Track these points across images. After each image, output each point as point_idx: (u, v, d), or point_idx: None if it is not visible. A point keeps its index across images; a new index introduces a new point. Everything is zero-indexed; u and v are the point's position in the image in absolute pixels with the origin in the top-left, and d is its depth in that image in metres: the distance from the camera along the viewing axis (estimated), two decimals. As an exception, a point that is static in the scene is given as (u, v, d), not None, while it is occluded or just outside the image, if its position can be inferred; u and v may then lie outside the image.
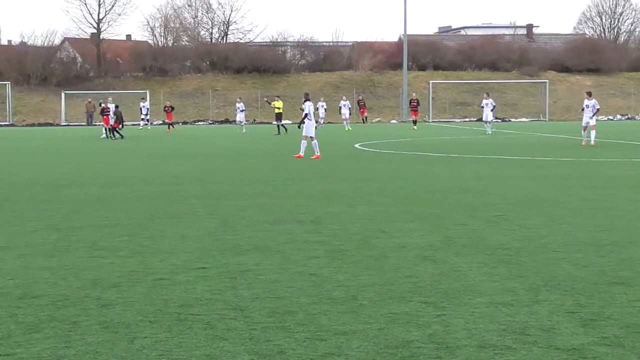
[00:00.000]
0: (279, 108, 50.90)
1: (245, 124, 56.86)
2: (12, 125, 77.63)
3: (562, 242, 11.30)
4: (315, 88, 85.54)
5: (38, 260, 10.34)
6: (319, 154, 28.24)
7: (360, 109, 70.13)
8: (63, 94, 79.92)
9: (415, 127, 56.92)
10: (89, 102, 74.22)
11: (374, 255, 10.48)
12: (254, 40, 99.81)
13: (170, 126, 57.94)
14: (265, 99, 60.22)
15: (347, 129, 57.62)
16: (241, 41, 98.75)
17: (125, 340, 6.85)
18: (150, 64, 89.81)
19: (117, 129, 46.02)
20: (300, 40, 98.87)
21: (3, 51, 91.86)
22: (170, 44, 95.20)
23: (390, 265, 9.82)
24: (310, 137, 28.70)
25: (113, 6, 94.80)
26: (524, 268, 9.59)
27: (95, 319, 7.51)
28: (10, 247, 11.25)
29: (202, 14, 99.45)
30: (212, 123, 78.18)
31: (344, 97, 64.96)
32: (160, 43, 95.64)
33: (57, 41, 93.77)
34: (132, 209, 15.18)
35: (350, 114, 62.11)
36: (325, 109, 63.84)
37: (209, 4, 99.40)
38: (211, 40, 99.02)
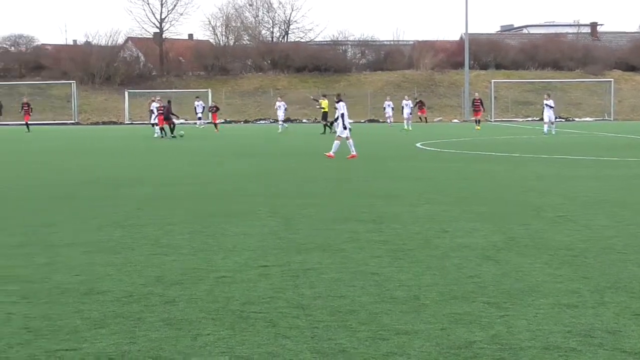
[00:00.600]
0: (324, 107, 50.88)
1: (283, 124, 56.06)
2: (77, 123, 78.72)
3: (628, 244, 11.13)
4: (376, 87, 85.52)
5: (103, 257, 10.46)
6: (354, 153, 27.96)
7: (419, 108, 70.03)
8: (126, 93, 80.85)
9: (479, 127, 56.53)
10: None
11: (436, 254, 10.43)
12: (315, 40, 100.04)
13: (216, 126, 57.95)
14: (312, 97, 60.04)
15: (405, 128, 57.43)
16: (302, 40, 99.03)
17: (189, 337, 6.90)
18: (212, 63, 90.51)
19: (163, 127, 46.34)
20: (361, 39, 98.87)
21: (68, 51, 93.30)
22: (232, 43, 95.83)
23: (453, 265, 9.76)
24: (340, 136, 28.40)
25: (175, 6, 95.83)
26: (588, 269, 9.46)
27: (158, 315, 7.58)
28: (75, 244, 11.39)
29: (263, 13, 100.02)
30: (274, 122, 78.46)
31: (405, 97, 64.89)
32: (221, 42, 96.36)
33: (120, 41, 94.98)
34: (194, 207, 15.28)
35: (411, 113, 62.05)
36: (392, 108, 63.91)
37: (270, 3, 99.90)
38: (272, 40, 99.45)
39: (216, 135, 51.03)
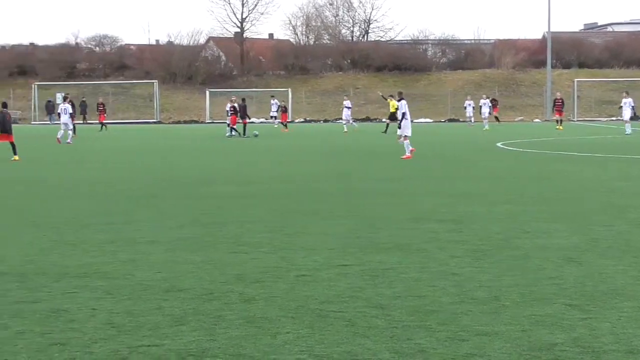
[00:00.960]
0: (393, 106, 50.69)
1: (349, 123, 55.69)
2: (159, 122, 79.76)
3: None
4: (456, 86, 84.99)
5: (184, 254, 10.58)
6: (409, 154, 27.64)
7: (492, 107, 69.14)
8: (207, 92, 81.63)
9: (561, 127, 55.73)
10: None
11: (517, 255, 10.32)
12: (395, 39, 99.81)
13: (285, 126, 58.07)
14: (381, 94, 59.70)
15: (484, 128, 56.91)
16: (382, 39, 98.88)
17: (268, 335, 6.94)
18: (292, 62, 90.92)
19: (235, 127, 46.69)
20: (442, 38, 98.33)
21: (151, 51, 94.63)
22: (312, 43, 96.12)
23: (534, 266, 9.65)
24: (405, 135, 28.00)
25: (256, 5, 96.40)
26: (674, 272, 9.27)
27: (238, 313, 7.64)
28: (157, 242, 11.55)
29: (343, 12, 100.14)
30: (355, 121, 78.42)
31: (484, 96, 64.33)
32: (301, 41, 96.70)
33: (202, 40, 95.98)
34: (273, 206, 15.37)
35: (490, 112, 61.44)
36: (473, 108, 63.42)
37: (350, 2, 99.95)
38: (352, 39, 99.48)
39: (290, 134, 51.21)
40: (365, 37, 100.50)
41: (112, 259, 10.26)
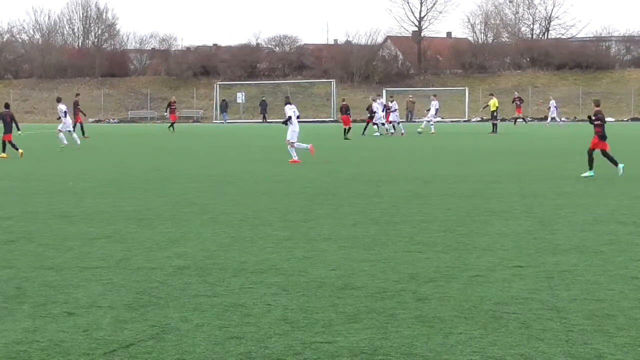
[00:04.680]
0: (494, 105, 49.37)
1: (432, 122, 54.24)
2: (335, 121, 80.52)
3: None
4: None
5: (358, 252, 10.67)
6: (296, 158, 26.41)
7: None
8: (384, 91, 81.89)
9: None
10: (410, 99, 75.65)
11: (702, 260, 9.90)
12: (576, 36, 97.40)
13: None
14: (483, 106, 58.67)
15: None
16: (563, 37, 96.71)
17: (440, 335, 6.92)
18: (469, 60, 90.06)
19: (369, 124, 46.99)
20: (626, 35, 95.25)
21: (329, 50, 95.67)
22: (490, 41, 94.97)
23: None
24: (292, 142, 26.72)
25: (435, 4, 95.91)
26: None
27: (411, 312, 7.64)
28: (332, 239, 11.68)
29: (524, 10, 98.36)
30: (531, 120, 77.07)
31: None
32: (480, 40, 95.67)
33: (379, 40, 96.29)
34: (449, 206, 15.28)
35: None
36: None
37: (531, 0, 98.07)
38: (532, 36, 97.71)
39: (466, 133, 50.69)
40: (546, 34, 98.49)
41: (289, 256, 10.45)
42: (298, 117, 27.51)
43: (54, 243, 11.61)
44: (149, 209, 15.22)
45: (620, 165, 20.25)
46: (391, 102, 52.13)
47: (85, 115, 48.04)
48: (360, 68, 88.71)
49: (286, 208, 15.20)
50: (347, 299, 8.20)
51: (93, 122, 77.98)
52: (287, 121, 27.26)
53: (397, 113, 52.06)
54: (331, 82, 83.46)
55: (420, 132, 47.45)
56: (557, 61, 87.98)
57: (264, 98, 78.78)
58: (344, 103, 48.00)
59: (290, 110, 27.28)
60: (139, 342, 6.87)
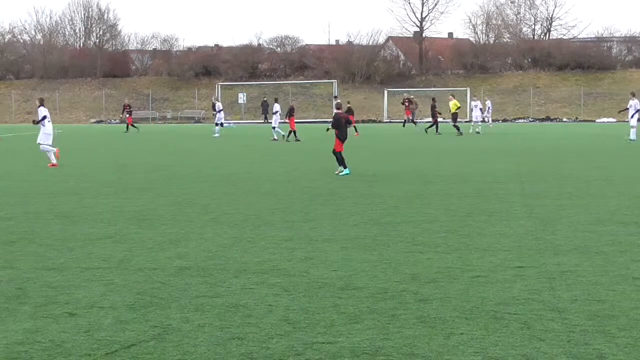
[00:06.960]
0: (455, 105, 49.09)
1: (488, 123, 54.19)
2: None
3: None
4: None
5: (359, 253, 10.67)
6: (54, 162, 26.06)
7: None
8: (386, 92, 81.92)
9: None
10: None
11: None
12: (578, 36, 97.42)
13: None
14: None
15: None
16: (564, 37, 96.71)
17: (442, 336, 6.92)
18: (471, 61, 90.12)
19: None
20: (628, 35, 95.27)
21: (331, 50, 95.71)
22: (492, 41, 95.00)
23: None
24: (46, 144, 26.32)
25: (436, 4, 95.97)
26: None
27: (412, 313, 7.64)
28: (334, 240, 11.69)
29: (525, 10, 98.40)
30: (533, 120, 77.09)
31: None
32: (481, 40, 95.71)
33: (381, 40, 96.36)
34: (450, 206, 15.28)
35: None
36: None
37: (532, 0, 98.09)
38: (533, 37, 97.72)
39: (471, 133, 50.72)
40: (547, 35, 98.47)
41: (290, 256, 10.46)
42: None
43: (55, 243, 11.62)
44: (151, 209, 15.24)
45: None
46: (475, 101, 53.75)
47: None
48: (361, 68, 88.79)
49: (288, 208, 15.20)
50: (349, 299, 8.20)
51: (94, 122, 78.01)
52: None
53: (483, 111, 53.27)
54: (333, 82, 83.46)
55: (478, 132, 49.47)
56: (559, 62, 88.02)
57: (265, 99, 78.73)
58: (349, 105, 47.95)
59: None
60: (140, 342, 6.88)
